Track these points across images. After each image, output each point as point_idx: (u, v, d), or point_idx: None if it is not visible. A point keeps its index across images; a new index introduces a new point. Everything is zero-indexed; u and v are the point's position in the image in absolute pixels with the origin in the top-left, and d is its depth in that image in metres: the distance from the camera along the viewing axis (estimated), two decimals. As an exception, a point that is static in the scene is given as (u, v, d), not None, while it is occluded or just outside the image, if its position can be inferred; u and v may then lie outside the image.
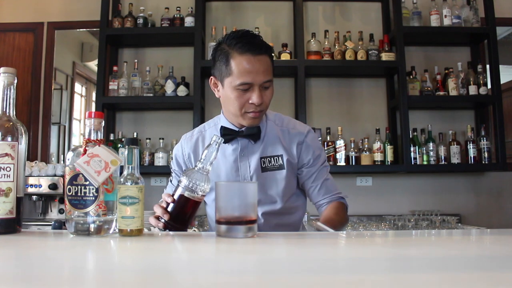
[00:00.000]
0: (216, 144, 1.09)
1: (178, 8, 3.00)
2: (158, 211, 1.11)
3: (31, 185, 2.61)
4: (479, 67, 2.93)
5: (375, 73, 3.11)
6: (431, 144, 2.89)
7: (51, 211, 2.71)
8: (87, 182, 0.90)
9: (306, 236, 1.15)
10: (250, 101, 1.28)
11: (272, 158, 1.39)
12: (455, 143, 2.89)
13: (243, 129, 1.38)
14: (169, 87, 2.93)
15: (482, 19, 3.00)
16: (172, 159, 1.53)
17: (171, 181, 1.51)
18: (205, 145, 1.40)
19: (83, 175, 0.90)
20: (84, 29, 3.29)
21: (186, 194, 1.07)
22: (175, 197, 1.10)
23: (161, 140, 2.92)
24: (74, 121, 3.26)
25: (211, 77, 1.38)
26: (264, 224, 1.38)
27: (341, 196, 1.46)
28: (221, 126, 1.40)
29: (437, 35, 3.02)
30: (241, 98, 1.28)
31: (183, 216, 1.10)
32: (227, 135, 1.37)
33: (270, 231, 1.36)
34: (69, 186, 0.91)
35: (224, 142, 1.35)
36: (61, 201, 2.69)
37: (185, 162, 1.46)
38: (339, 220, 1.34)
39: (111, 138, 2.94)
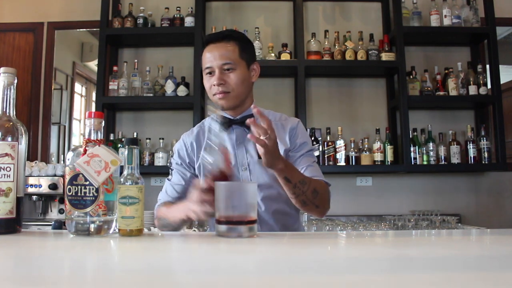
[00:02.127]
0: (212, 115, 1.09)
1: (178, 8, 3.00)
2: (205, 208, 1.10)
3: (31, 185, 2.61)
4: (479, 67, 2.93)
5: (375, 73, 3.11)
6: (431, 144, 2.89)
7: (51, 211, 2.71)
8: (87, 182, 0.90)
9: (306, 236, 1.15)
10: (213, 84, 1.42)
11: None
12: (455, 143, 2.89)
13: (237, 117, 1.47)
14: (169, 87, 2.93)
15: (482, 19, 3.00)
16: (172, 157, 1.57)
17: (168, 180, 1.55)
18: (205, 138, 1.50)
19: (83, 175, 0.90)
20: (84, 29, 3.29)
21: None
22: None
23: (161, 140, 2.92)
24: (74, 121, 3.26)
25: None
26: (264, 211, 1.41)
27: (325, 180, 1.41)
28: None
29: (437, 35, 3.02)
30: (208, 82, 1.45)
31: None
32: (224, 122, 1.45)
33: (270, 218, 1.42)
34: (69, 186, 0.91)
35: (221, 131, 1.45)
36: (61, 201, 2.69)
37: (189, 153, 1.52)
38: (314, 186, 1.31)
39: (111, 138, 2.94)
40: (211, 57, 1.42)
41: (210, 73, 1.43)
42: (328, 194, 1.41)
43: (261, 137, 1.13)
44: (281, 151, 1.42)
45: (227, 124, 1.45)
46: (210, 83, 1.43)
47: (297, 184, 1.26)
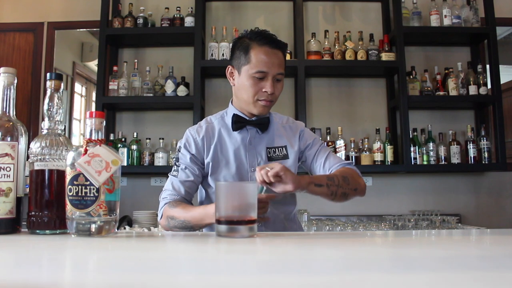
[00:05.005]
0: None
1: (178, 8, 3.00)
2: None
3: (31, 185, 2.60)
4: (479, 67, 2.93)
5: (375, 73, 3.11)
6: (431, 144, 2.89)
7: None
8: (88, 182, 0.90)
9: (306, 236, 1.15)
10: (264, 90, 1.38)
11: (277, 149, 1.48)
12: (455, 143, 2.89)
13: (253, 118, 1.46)
14: (169, 87, 2.93)
15: (482, 19, 3.00)
16: (179, 151, 1.47)
17: (174, 176, 1.44)
18: (215, 134, 1.47)
19: (84, 175, 0.90)
20: (84, 29, 3.29)
21: None
22: None
23: (161, 140, 2.92)
24: (74, 121, 3.26)
25: (228, 66, 1.48)
26: (270, 213, 1.33)
27: (348, 163, 1.48)
28: (233, 114, 1.47)
29: (437, 35, 3.02)
30: (255, 86, 1.39)
31: None
32: (239, 122, 1.45)
33: (276, 220, 1.42)
34: (69, 186, 0.91)
35: (234, 130, 1.46)
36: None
37: (198, 148, 1.44)
38: (343, 178, 1.35)
39: (111, 138, 2.94)
40: (270, 62, 1.37)
41: (261, 78, 1.38)
42: (356, 172, 1.44)
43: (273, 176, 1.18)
44: (292, 154, 1.48)
45: (240, 124, 1.45)
46: (259, 88, 1.38)
47: (328, 182, 1.30)
